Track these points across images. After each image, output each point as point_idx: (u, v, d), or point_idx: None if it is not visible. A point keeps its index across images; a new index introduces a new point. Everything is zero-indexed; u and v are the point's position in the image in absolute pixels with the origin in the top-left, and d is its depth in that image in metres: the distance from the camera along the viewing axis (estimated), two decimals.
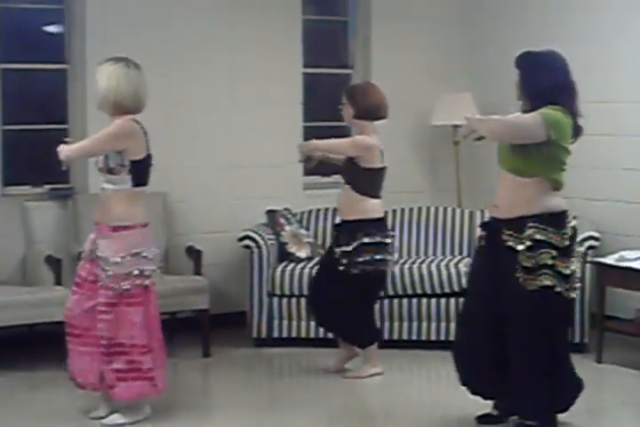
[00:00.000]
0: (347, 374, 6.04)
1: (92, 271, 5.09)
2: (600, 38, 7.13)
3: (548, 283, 4.69)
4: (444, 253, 7.15)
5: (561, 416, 5.02)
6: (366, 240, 5.86)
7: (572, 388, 4.98)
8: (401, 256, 7.16)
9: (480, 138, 4.85)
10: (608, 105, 6.98)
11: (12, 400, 5.61)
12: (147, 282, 5.06)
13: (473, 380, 5.00)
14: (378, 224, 5.94)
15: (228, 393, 5.89)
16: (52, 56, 7.03)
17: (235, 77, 7.38)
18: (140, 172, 5.07)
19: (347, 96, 5.95)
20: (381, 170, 5.95)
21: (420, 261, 6.87)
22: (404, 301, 6.65)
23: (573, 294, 4.84)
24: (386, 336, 6.62)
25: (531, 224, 4.71)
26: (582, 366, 6.18)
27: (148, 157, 5.10)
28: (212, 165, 7.29)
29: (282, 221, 7.03)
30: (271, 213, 7.09)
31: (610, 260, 6.24)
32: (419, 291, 6.64)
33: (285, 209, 7.15)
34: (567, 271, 4.75)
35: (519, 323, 4.77)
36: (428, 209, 7.39)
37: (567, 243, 4.76)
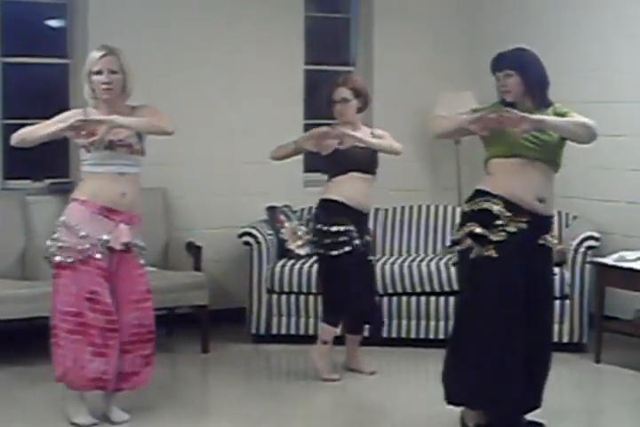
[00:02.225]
0: (370, 370, 6.07)
1: (112, 262, 4.95)
2: (601, 38, 7.13)
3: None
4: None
5: (560, 416, 5.04)
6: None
7: None
8: (401, 254, 7.18)
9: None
10: (609, 105, 6.98)
11: (10, 395, 5.60)
12: None
13: (508, 394, 4.63)
14: None
15: (227, 389, 5.89)
16: (53, 50, 7.04)
17: (236, 74, 7.38)
18: None
19: (354, 91, 5.87)
20: None
21: (419, 259, 6.88)
22: (403, 299, 6.66)
23: None
24: (386, 334, 6.63)
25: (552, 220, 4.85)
26: (581, 366, 6.24)
27: None
28: (213, 161, 7.29)
29: (282, 217, 7.03)
30: (271, 210, 7.09)
31: (609, 260, 6.24)
32: (418, 289, 6.64)
33: (285, 206, 7.15)
34: None
35: (549, 317, 4.87)
36: (429, 207, 7.39)
37: None
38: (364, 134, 5.86)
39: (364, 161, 5.84)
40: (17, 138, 4.93)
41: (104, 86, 4.93)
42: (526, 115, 4.51)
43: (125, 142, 4.91)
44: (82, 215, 4.93)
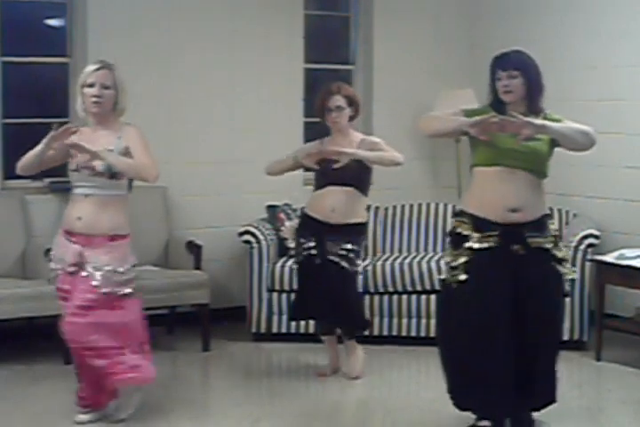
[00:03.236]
0: (353, 375, 5.95)
1: (73, 282, 4.95)
2: (601, 36, 7.13)
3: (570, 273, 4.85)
4: (444, 249, 7.13)
5: (561, 414, 5.03)
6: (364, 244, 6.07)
7: None
8: (401, 252, 7.19)
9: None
10: (609, 103, 6.99)
11: (11, 394, 5.62)
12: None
13: (491, 401, 4.70)
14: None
15: (227, 387, 5.89)
16: (53, 50, 7.04)
17: (236, 73, 7.38)
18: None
19: (347, 99, 5.87)
20: None
21: (420, 257, 6.88)
22: (404, 297, 6.66)
23: None
24: (386, 332, 6.66)
25: (549, 221, 4.76)
26: (581, 364, 6.25)
27: None
28: (213, 159, 7.30)
29: (282, 216, 7.04)
30: (271, 209, 7.09)
31: (610, 258, 6.24)
32: (418, 287, 6.64)
33: (285, 204, 7.15)
34: None
35: (550, 317, 4.74)
36: (429, 205, 7.39)
37: None
38: (356, 148, 5.80)
39: (339, 175, 5.78)
40: (18, 166, 5.04)
41: (93, 99, 4.93)
42: (530, 120, 4.48)
43: (88, 165, 4.89)
44: (56, 240, 5.08)
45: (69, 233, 4.97)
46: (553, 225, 4.79)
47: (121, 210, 4.96)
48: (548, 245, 4.69)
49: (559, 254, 4.73)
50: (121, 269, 4.93)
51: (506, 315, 4.60)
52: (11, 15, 6.82)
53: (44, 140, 4.87)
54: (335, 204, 5.83)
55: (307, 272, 5.96)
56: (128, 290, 4.97)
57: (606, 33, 7.10)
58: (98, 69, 4.95)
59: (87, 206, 4.91)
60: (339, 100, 5.88)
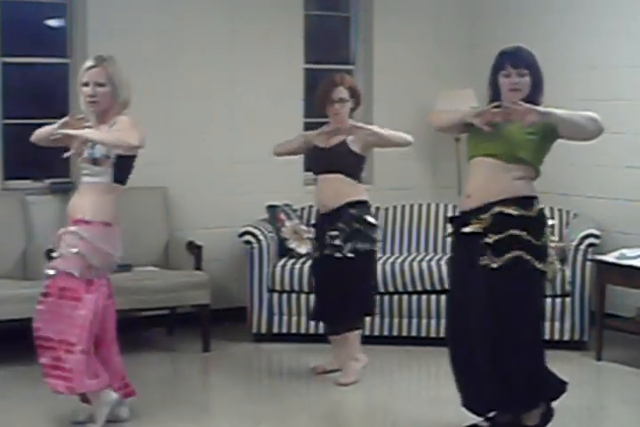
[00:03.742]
0: (339, 381, 5.83)
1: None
2: (601, 36, 7.13)
3: (516, 254, 4.49)
4: (444, 249, 7.13)
5: (561, 414, 5.02)
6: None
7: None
8: (401, 253, 7.19)
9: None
10: (609, 103, 6.98)
11: (11, 394, 5.62)
12: (94, 275, 4.90)
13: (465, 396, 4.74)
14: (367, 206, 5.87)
15: (228, 388, 5.90)
16: (53, 50, 7.04)
17: (236, 73, 7.38)
18: (124, 168, 4.94)
19: (350, 91, 5.87)
20: None
21: (420, 257, 6.88)
22: (405, 297, 6.66)
23: (541, 266, 4.55)
24: (386, 333, 6.65)
25: (497, 207, 4.51)
26: (582, 363, 6.25)
27: (134, 157, 4.96)
28: (213, 160, 7.29)
29: (282, 216, 7.03)
30: (272, 209, 7.09)
31: (610, 258, 6.24)
32: (419, 288, 6.64)
33: (286, 205, 7.15)
34: (537, 242, 4.53)
35: (484, 308, 4.53)
36: (429, 206, 7.38)
37: (534, 215, 4.56)
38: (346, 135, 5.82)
39: (323, 163, 5.81)
40: (34, 135, 5.12)
41: (88, 99, 4.96)
42: (534, 107, 4.44)
43: (77, 151, 4.92)
44: None
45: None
46: (500, 208, 4.50)
47: (100, 197, 4.90)
48: (479, 230, 4.53)
49: (489, 240, 4.50)
50: (72, 252, 4.85)
51: (462, 302, 4.65)
52: (11, 15, 6.82)
53: (57, 124, 4.95)
54: (329, 191, 5.79)
55: (315, 265, 6.03)
56: (70, 269, 4.85)
57: (606, 33, 7.10)
58: (91, 68, 4.95)
59: (81, 193, 4.98)
60: (342, 92, 5.86)
